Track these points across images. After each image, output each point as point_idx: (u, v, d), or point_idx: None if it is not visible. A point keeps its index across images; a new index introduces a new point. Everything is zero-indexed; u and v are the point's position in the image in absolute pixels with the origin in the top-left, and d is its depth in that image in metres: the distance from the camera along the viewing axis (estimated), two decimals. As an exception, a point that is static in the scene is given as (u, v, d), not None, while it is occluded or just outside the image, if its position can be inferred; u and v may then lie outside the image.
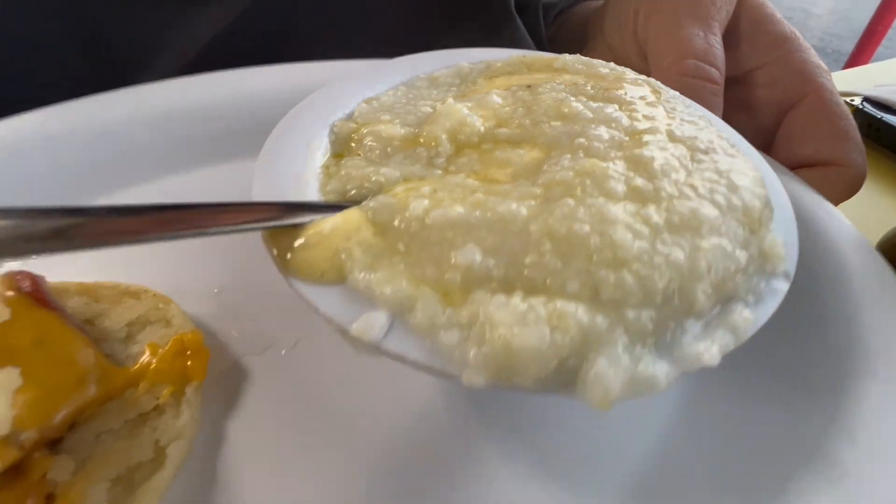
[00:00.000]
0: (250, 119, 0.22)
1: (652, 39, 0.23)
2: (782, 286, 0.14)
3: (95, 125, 0.22)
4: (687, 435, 0.16)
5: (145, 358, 0.15)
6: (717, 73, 0.22)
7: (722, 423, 0.16)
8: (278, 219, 0.13)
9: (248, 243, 0.14)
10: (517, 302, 0.11)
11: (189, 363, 0.15)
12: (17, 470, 0.12)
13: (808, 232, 0.19)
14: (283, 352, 0.17)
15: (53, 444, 0.13)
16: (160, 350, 0.15)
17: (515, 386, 0.10)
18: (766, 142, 0.24)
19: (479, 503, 0.14)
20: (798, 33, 0.24)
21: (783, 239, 0.15)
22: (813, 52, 0.23)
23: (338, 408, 0.16)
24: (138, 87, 0.23)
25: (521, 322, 0.10)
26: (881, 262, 0.19)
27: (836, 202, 0.21)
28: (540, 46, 0.36)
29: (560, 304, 0.11)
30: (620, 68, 0.20)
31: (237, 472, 0.14)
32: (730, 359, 0.12)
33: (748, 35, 0.24)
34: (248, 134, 0.18)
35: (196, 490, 0.14)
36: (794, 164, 0.22)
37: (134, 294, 0.16)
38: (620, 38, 0.26)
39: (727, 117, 0.20)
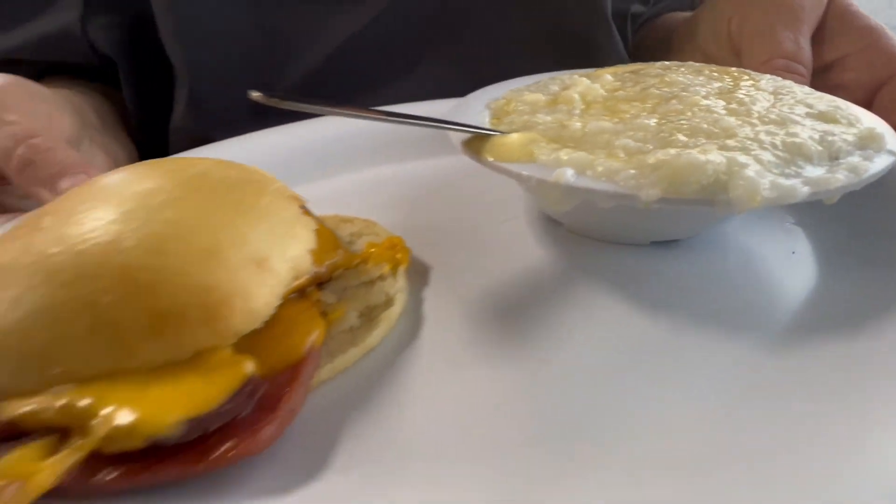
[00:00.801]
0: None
1: (746, 42, 0.28)
2: (890, 157, 0.17)
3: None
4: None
5: (367, 249, 0.20)
6: (804, 70, 0.26)
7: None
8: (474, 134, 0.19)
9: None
10: (671, 150, 0.15)
11: (397, 255, 0.20)
12: (302, 292, 0.16)
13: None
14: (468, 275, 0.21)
15: (319, 286, 0.17)
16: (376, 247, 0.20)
17: (682, 198, 0.14)
18: None
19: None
20: (883, 25, 0.28)
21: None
22: (893, 40, 0.27)
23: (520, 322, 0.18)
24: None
25: (678, 155, 0.14)
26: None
27: None
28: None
29: (702, 148, 0.15)
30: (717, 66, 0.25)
31: (433, 331, 0.18)
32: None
33: (837, 29, 0.28)
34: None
35: (405, 336, 0.18)
36: None
37: (348, 220, 0.22)
38: (716, 43, 0.31)
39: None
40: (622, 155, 0.16)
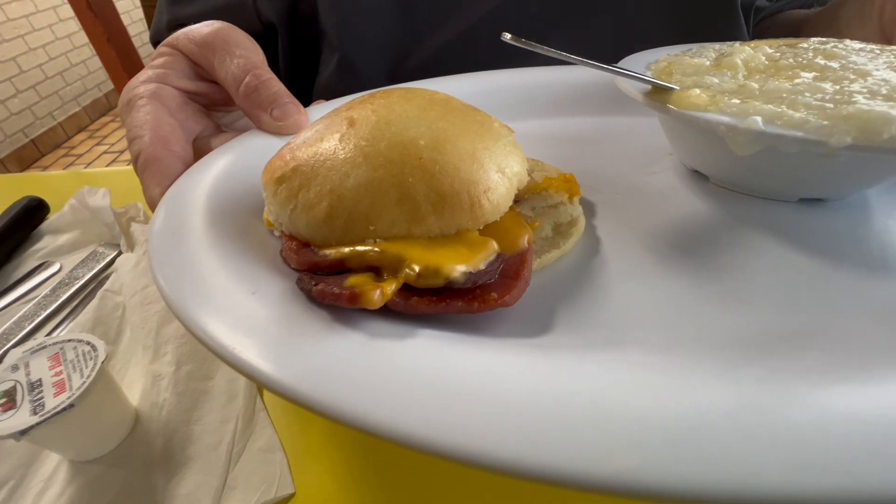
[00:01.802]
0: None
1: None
2: None
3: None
4: None
5: (547, 180, 0.23)
6: None
7: None
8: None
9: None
10: (861, 103, 0.17)
11: (573, 187, 0.23)
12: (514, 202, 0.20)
13: None
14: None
15: (516, 202, 0.21)
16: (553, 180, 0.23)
17: (872, 146, 0.16)
18: None
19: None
20: None
21: None
22: None
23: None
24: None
25: (870, 108, 0.17)
26: None
27: None
28: None
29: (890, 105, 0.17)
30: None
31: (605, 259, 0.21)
32: None
33: None
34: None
35: (589, 250, 0.21)
36: None
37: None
38: (864, 30, 0.32)
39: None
40: (804, 111, 0.18)
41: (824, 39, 0.26)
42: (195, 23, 0.47)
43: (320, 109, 0.30)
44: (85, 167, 2.84)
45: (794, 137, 0.18)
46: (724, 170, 0.24)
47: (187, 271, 0.17)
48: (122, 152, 3.00)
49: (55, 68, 3.06)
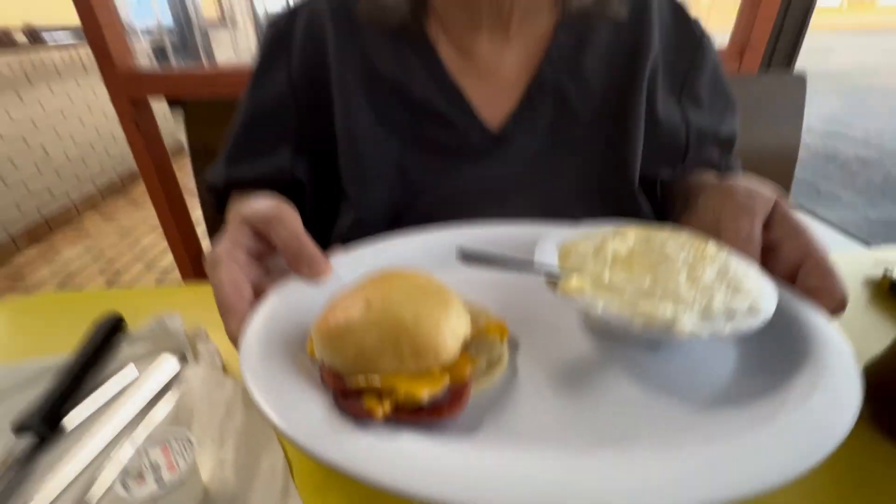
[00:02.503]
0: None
1: (723, 224, 0.41)
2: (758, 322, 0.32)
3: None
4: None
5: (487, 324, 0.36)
6: (756, 246, 0.41)
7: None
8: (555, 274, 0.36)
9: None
10: (653, 301, 0.31)
11: (503, 331, 0.36)
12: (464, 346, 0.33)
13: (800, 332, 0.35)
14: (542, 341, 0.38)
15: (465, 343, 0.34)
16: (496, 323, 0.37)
17: (653, 329, 0.30)
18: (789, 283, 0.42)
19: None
20: (808, 222, 0.43)
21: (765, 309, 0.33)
22: (815, 233, 0.42)
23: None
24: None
25: (654, 307, 0.31)
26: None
27: (827, 315, 0.37)
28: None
29: (664, 304, 0.31)
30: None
31: (518, 387, 0.34)
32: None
33: (778, 221, 0.41)
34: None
35: (508, 377, 0.34)
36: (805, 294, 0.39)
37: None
38: (706, 220, 0.46)
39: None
40: (630, 297, 0.32)
41: (667, 236, 0.41)
42: (247, 182, 0.64)
43: (339, 257, 0.44)
44: (91, 241, 2.96)
45: (618, 320, 0.31)
46: (603, 326, 0.37)
47: (273, 386, 0.29)
48: (129, 230, 3.15)
49: (78, 152, 3.30)
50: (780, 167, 1.11)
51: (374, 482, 0.23)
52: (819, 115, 5.31)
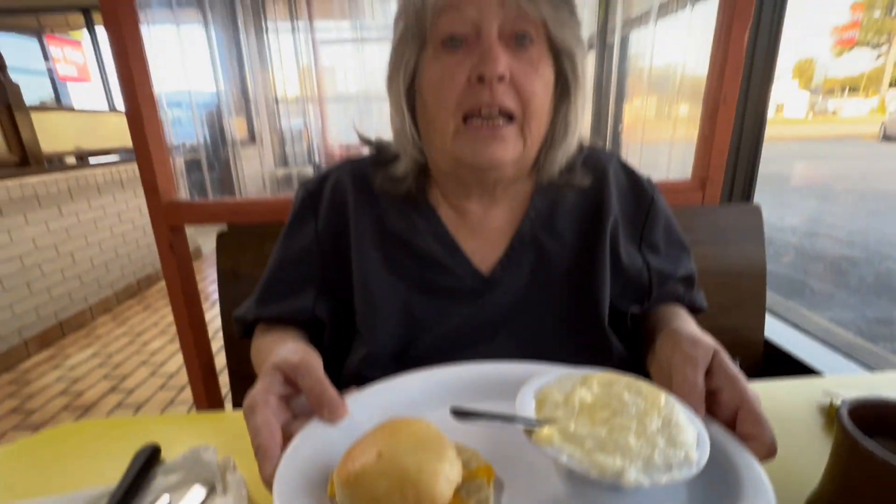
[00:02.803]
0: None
1: (673, 370, 0.50)
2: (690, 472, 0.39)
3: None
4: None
5: (477, 468, 0.44)
6: (699, 394, 0.50)
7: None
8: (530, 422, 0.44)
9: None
10: (607, 452, 0.39)
11: (490, 474, 0.43)
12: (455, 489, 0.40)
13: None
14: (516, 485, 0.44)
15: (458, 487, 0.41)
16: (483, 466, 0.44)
17: (603, 479, 0.38)
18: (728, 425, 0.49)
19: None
20: (741, 374, 0.52)
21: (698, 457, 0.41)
22: (747, 383, 0.51)
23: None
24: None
25: (604, 459, 0.39)
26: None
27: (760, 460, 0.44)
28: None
29: (614, 455, 0.39)
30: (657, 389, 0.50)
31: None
32: None
33: (716, 370, 0.49)
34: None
35: (494, 518, 0.40)
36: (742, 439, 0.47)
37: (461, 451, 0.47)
38: (661, 364, 0.56)
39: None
40: (589, 447, 0.40)
41: (627, 384, 0.50)
42: (275, 320, 0.75)
43: (354, 396, 0.52)
44: (100, 346, 3.02)
45: (579, 469, 0.39)
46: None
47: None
48: (139, 334, 3.22)
49: (103, 259, 3.49)
50: (751, 285, 1.23)
51: None
52: (801, 218, 5.64)
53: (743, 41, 1.20)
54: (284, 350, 0.55)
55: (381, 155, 0.80)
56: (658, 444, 0.41)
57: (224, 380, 1.25)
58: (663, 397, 0.47)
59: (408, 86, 0.68)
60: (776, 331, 1.33)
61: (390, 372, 0.59)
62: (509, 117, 0.63)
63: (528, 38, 0.61)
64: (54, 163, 3.24)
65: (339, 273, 0.75)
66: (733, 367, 0.50)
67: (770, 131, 1.55)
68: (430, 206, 0.76)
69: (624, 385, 0.49)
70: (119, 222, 3.63)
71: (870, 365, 1.19)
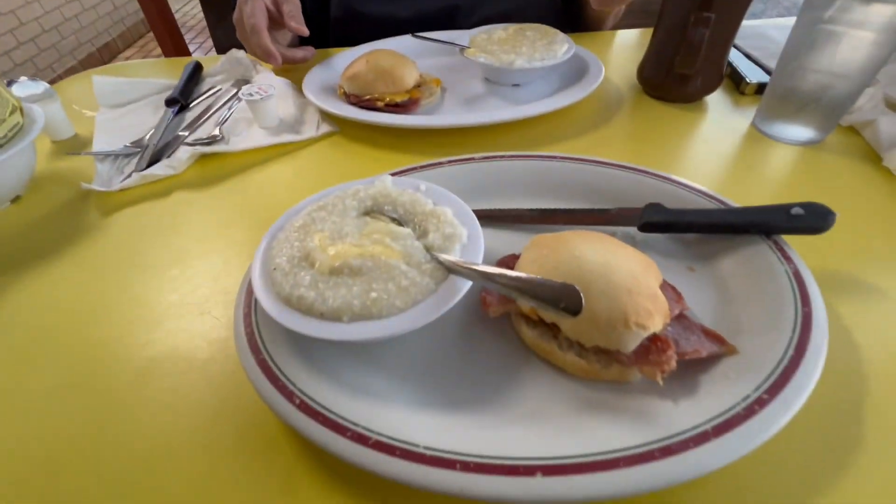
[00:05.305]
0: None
1: None
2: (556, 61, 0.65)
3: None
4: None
5: (433, 79, 0.70)
6: None
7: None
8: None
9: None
10: (510, 56, 0.64)
11: (437, 82, 0.69)
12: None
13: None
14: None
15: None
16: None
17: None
18: None
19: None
20: None
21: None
22: None
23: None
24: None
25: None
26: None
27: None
28: None
29: (515, 55, 0.64)
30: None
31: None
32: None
33: None
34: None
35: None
36: None
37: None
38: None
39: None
40: (496, 53, 0.65)
41: (537, 27, 0.72)
42: None
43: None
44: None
45: (487, 63, 0.65)
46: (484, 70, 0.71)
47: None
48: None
49: (51, 22, 3.24)
50: None
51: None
52: None
53: None
54: None
55: None
56: (539, 49, 0.66)
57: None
58: (554, 31, 0.70)
59: None
60: None
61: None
62: None
63: None
64: None
65: None
66: None
67: None
68: None
69: (533, 27, 0.72)
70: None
71: None
